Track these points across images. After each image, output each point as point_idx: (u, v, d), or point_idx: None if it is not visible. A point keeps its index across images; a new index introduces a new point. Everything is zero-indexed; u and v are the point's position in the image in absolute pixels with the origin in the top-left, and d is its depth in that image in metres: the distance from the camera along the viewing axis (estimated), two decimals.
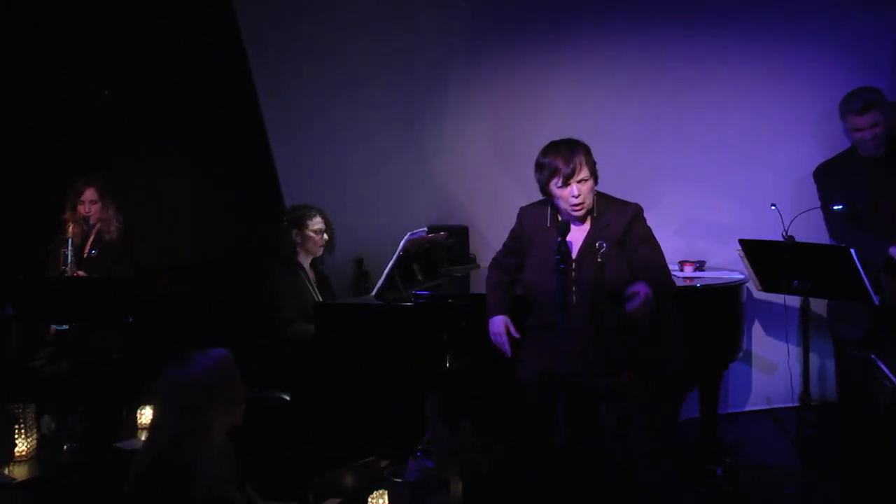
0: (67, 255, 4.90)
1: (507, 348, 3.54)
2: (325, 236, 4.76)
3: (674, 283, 3.59)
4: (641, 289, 3.20)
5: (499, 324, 3.57)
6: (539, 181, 3.47)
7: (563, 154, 3.38)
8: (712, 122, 5.07)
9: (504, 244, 3.70)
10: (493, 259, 3.76)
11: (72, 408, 4.26)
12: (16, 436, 3.80)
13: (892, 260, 3.96)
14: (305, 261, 4.77)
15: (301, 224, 4.70)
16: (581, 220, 3.47)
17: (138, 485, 2.54)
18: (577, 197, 3.39)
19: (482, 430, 2.95)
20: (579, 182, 3.38)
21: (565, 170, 3.37)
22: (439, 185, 5.44)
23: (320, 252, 4.79)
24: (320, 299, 4.66)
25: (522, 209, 3.64)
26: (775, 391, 5.10)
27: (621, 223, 3.44)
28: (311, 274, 4.77)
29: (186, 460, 2.51)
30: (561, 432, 3.11)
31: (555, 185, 3.41)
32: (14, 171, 5.51)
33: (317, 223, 4.73)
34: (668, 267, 3.52)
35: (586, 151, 3.44)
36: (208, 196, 5.65)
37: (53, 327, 4.87)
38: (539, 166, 3.46)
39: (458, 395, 2.46)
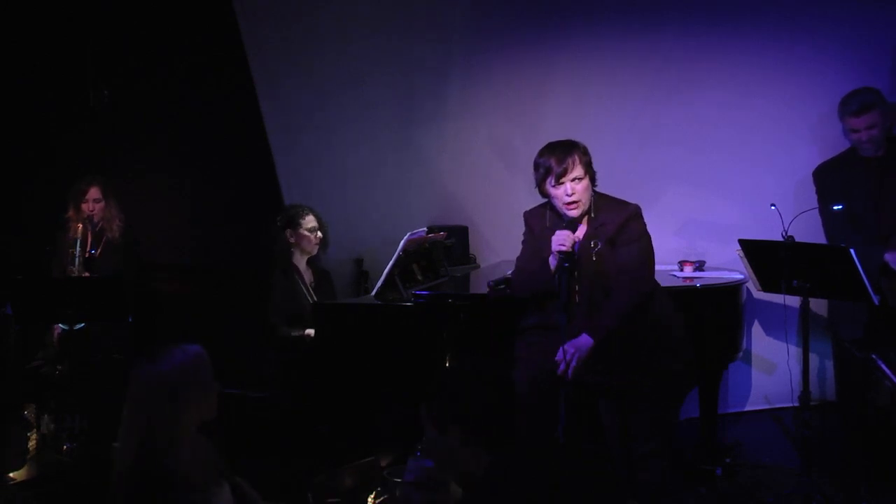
0: (76, 256, 4.89)
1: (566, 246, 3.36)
2: (319, 234, 4.77)
3: (652, 284, 3.53)
4: (569, 348, 3.22)
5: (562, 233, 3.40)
6: (536, 181, 3.49)
7: (557, 154, 3.40)
8: (712, 122, 5.06)
9: (522, 252, 3.64)
10: (517, 269, 3.64)
11: (72, 408, 4.26)
12: (29, 442, 3.80)
13: (886, 266, 3.97)
14: (301, 261, 4.77)
15: (294, 223, 4.72)
16: (577, 221, 3.46)
17: (122, 487, 2.55)
18: (570, 196, 3.39)
19: (477, 432, 2.94)
20: (573, 181, 3.39)
21: (557, 168, 3.38)
22: (439, 185, 5.44)
23: (315, 250, 4.79)
24: (314, 300, 4.66)
25: (526, 212, 3.65)
26: (775, 391, 5.09)
27: (616, 222, 3.44)
28: (306, 275, 4.77)
29: (160, 459, 2.52)
30: (560, 432, 3.11)
31: (549, 185, 3.43)
32: (15, 170, 5.51)
33: (310, 221, 4.74)
34: (649, 268, 3.48)
35: (583, 152, 3.45)
36: (208, 196, 5.65)
37: (59, 327, 4.83)
38: (535, 166, 3.48)
39: (452, 397, 2.47)
